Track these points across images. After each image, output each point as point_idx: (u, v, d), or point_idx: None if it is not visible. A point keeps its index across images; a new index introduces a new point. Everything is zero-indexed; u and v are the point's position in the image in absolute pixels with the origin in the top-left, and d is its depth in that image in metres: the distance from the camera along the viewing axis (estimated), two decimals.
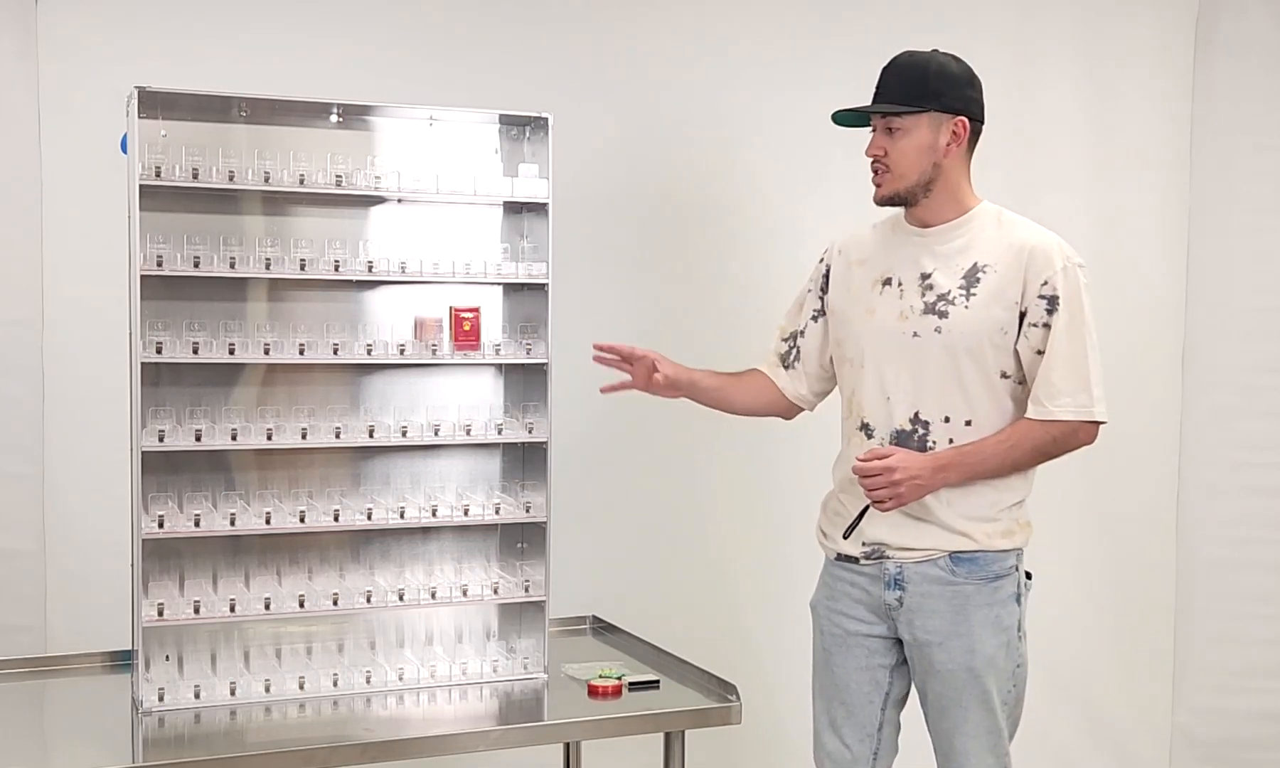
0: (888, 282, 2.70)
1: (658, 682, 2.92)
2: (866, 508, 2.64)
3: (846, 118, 2.72)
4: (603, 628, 3.37)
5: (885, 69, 2.69)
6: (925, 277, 2.66)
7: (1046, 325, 2.61)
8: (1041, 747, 4.02)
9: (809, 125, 3.94)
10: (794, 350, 2.89)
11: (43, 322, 3.38)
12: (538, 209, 3.00)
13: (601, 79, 3.79)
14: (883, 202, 2.71)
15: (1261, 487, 4.25)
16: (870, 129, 2.70)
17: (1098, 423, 2.64)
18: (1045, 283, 2.61)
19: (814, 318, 2.87)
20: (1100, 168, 4.25)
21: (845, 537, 2.69)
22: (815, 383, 2.89)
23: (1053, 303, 2.61)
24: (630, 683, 2.89)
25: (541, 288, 2.97)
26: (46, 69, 3.34)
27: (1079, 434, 2.64)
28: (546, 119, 2.95)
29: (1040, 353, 2.62)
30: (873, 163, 2.69)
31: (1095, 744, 4.31)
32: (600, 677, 2.89)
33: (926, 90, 2.64)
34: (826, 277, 2.84)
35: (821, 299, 2.85)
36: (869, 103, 2.68)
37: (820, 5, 4.00)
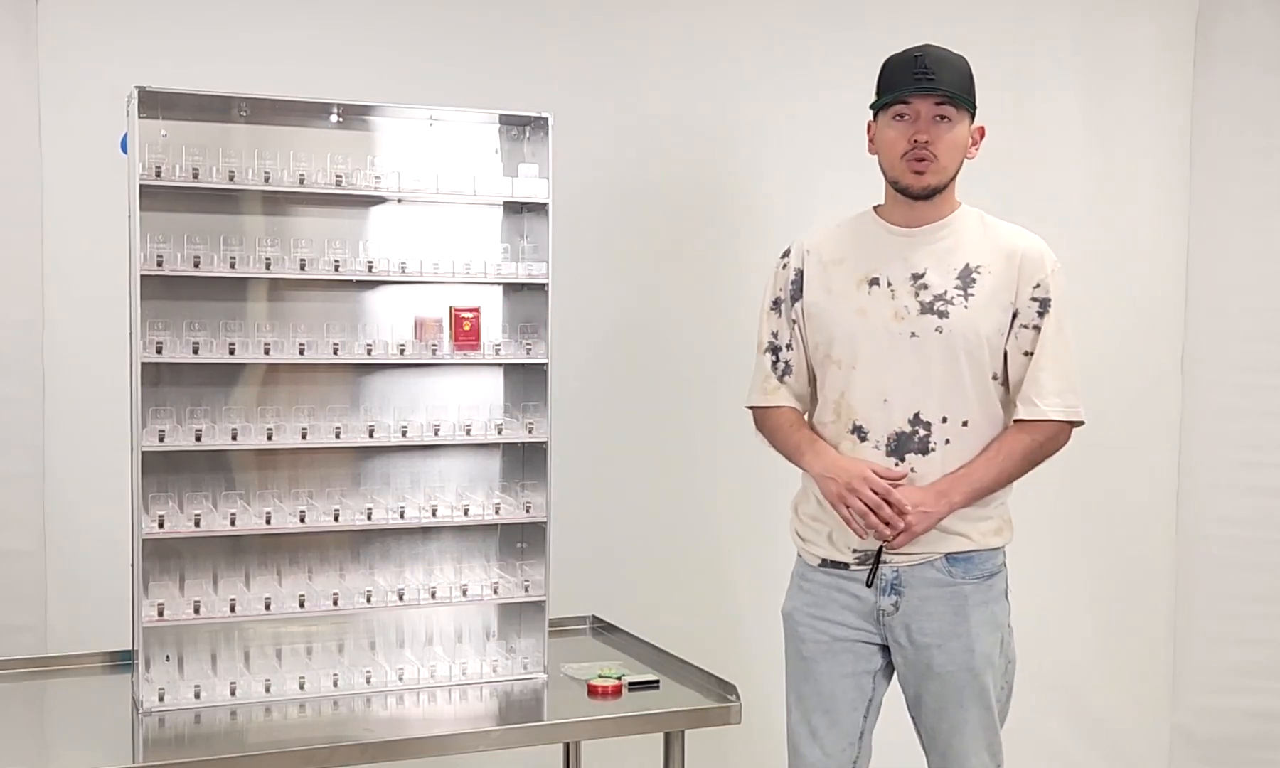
0: (875, 281, 2.67)
1: (658, 682, 2.92)
2: (881, 549, 2.62)
3: (900, 86, 2.58)
4: (603, 628, 3.36)
5: (926, 57, 2.58)
6: (917, 277, 2.65)
7: (1036, 327, 2.63)
8: (1040, 747, 4.02)
9: (810, 125, 3.96)
10: (779, 362, 2.79)
11: (43, 322, 3.37)
12: (538, 209, 2.99)
13: (602, 79, 3.79)
14: (926, 192, 2.62)
15: (1261, 486, 4.24)
16: (897, 114, 2.60)
17: (1077, 425, 2.67)
18: (1038, 285, 2.63)
19: (792, 324, 2.77)
20: (1100, 168, 4.24)
21: (868, 585, 2.64)
22: (805, 387, 2.81)
23: (1044, 305, 2.63)
24: (630, 683, 2.88)
25: (541, 288, 2.97)
26: (46, 69, 3.33)
27: (1061, 436, 2.67)
28: (546, 119, 2.95)
29: (1027, 354, 2.64)
30: (917, 149, 2.58)
31: (1094, 744, 4.31)
32: (600, 677, 2.89)
33: (972, 89, 2.64)
34: (799, 281, 2.75)
35: (795, 304, 2.75)
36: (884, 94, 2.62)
37: (820, 5, 4.00)
